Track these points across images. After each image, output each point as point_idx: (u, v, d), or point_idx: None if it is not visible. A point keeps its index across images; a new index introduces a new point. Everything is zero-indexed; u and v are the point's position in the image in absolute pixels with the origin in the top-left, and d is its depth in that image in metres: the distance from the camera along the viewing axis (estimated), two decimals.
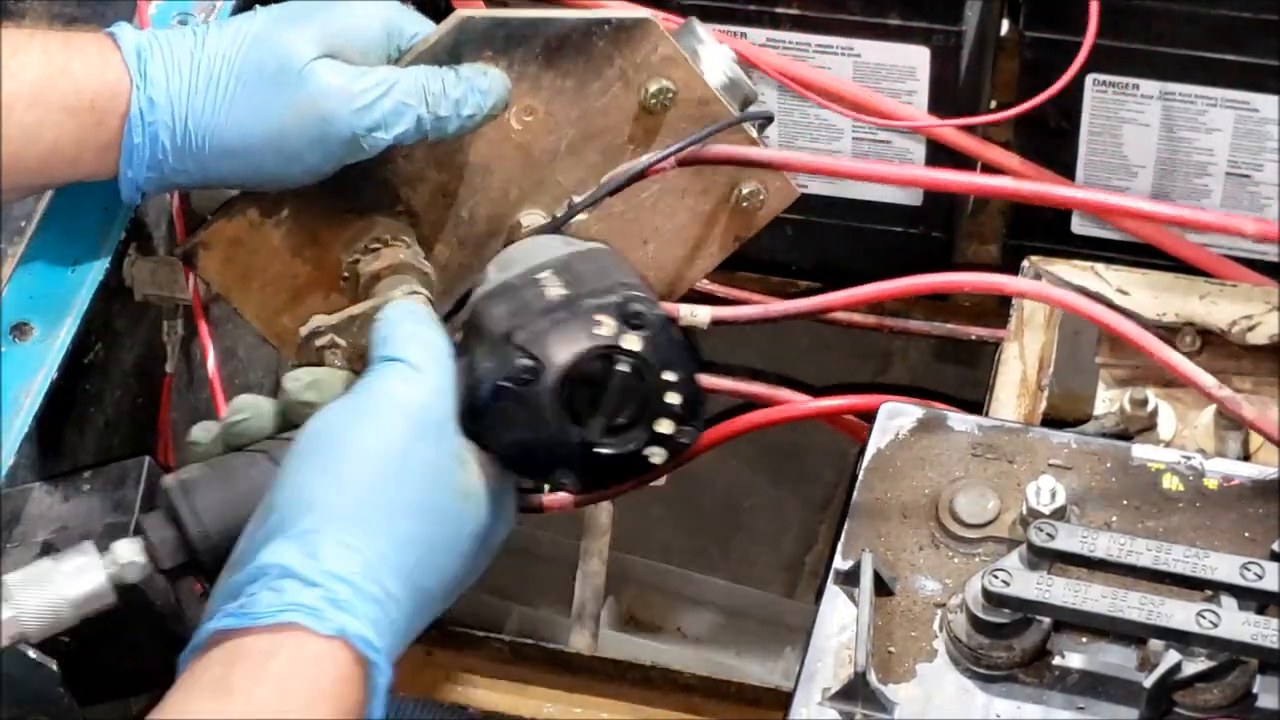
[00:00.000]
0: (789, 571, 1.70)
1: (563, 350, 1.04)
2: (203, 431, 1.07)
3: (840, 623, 1.09)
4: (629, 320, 1.05)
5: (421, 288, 1.21)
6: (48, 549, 1.14)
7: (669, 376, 1.06)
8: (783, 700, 1.08)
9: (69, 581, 1.02)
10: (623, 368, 1.05)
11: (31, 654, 1.07)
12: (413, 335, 1.06)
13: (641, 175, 1.24)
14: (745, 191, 1.30)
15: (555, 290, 1.07)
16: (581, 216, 1.25)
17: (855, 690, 1.04)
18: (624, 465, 1.07)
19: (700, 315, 1.27)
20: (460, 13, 1.22)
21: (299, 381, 1.07)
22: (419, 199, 1.25)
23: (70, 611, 1.01)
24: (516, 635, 1.72)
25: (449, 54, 1.21)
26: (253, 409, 1.07)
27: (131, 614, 1.13)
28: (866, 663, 1.04)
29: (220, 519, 1.03)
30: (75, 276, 1.23)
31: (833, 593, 1.10)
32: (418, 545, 0.99)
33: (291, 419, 1.06)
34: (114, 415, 1.29)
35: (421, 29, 1.21)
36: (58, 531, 1.16)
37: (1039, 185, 1.40)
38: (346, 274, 1.24)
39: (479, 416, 1.05)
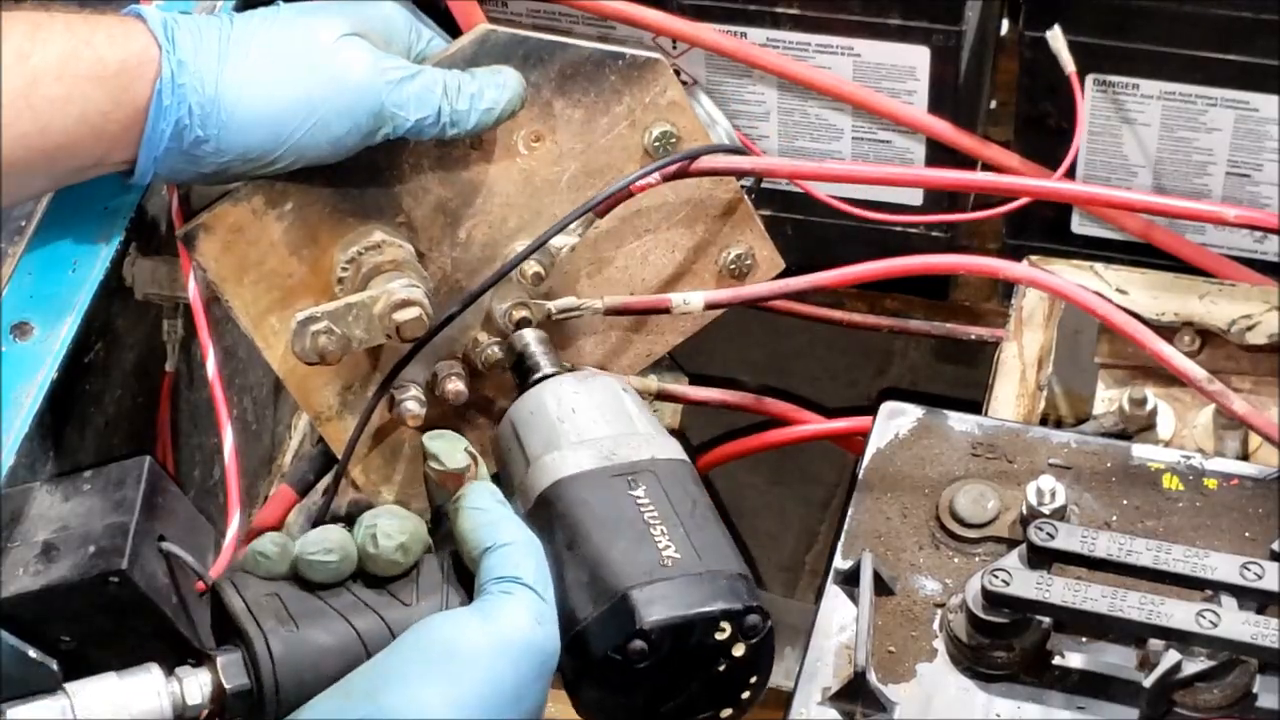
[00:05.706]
0: (789, 571, 1.70)
1: (679, 640, 1.03)
2: (274, 546, 1.05)
3: (840, 623, 1.09)
4: (745, 633, 1.04)
5: (419, 283, 1.21)
6: (48, 549, 1.14)
7: (752, 679, 1.06)
8: (783, 700, 1.08)
9: (132, 703, 0.99)
10: (720, 667, 1.05)
11: (31, 653, 1.07)
12: (529, 549, 1.05)
13: (628, 194, 1.26)
14: (733, 255, 1.32)
15: (670, 552, 1.05)
16: (569, 244, 1.25)
17: (855, 690, 1.04)
18: None
19: (693, 301, 1.27)
20: (483, 26, 1.26)
21: (391, 540, 1.04)
22: (420, 211, 1.26)
23: None
24: None
25: (468, 64, 1.24)
26: (343, 552, 1.04)
27: (133, 612, 1.13)
28: (866, 662, 1.04)
29: (296, 684, 1.01)
30: (75, 276, 1.23)
31: (833, 593, 1.10)
32: None
33: (368, 567, 1.05)
34: (114, 415, 1.29)
35: (439, 37, 1.25)
36: (58, 531, 1.15)
37: (1014, 179, 1.41)
38: (344, 269, 1.24)
39: (572, 663, 1.04)
